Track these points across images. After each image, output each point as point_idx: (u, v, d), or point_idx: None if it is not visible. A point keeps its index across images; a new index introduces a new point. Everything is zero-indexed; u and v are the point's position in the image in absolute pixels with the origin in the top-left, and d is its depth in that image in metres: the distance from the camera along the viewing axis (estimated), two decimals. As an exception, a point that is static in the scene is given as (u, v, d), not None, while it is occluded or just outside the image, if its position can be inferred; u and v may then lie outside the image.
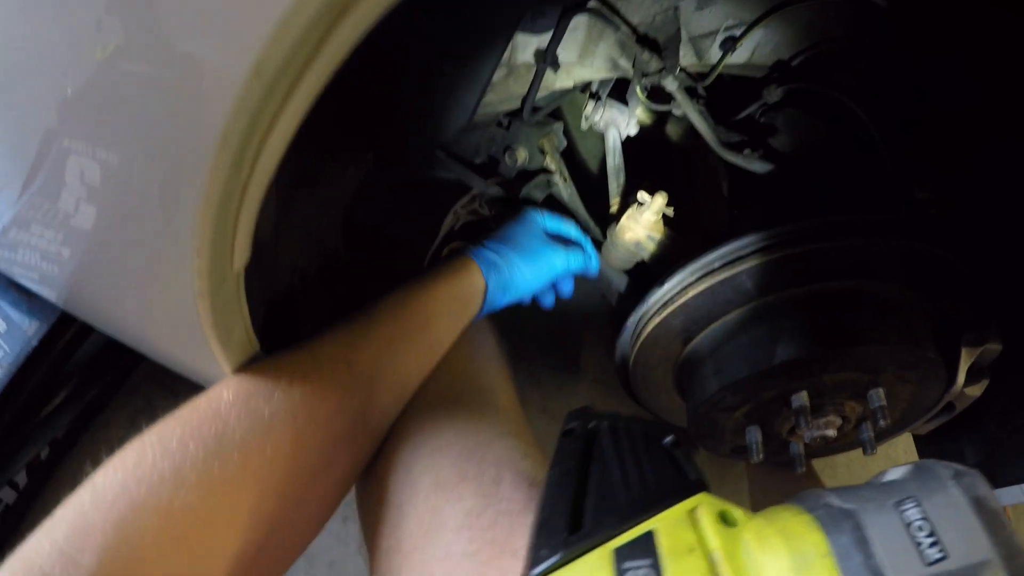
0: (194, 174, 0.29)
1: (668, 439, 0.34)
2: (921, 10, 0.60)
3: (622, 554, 0.26)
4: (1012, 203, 0.67)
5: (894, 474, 0.28)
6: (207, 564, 0.33)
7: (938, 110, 0.70)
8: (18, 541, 0.31)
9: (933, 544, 0.23)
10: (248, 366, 0.39)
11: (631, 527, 0.27)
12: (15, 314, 0.61)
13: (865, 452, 0.64)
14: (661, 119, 0.91)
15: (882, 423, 0.58)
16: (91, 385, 0.68)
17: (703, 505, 0.28)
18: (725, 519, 0.27)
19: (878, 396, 0.59)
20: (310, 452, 0.38)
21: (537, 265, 0.60)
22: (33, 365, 0.62)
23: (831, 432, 0.62)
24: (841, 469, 1.05)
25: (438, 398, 0.49)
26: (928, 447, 0.83)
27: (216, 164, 0.28)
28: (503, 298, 0.58)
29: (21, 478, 0.66)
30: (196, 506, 0.32)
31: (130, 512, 0.31)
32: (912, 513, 0.24)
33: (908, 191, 0.70)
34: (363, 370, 0.43)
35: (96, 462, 0.34)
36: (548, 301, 0.66)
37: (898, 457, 1.06)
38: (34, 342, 0.61)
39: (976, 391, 0.64)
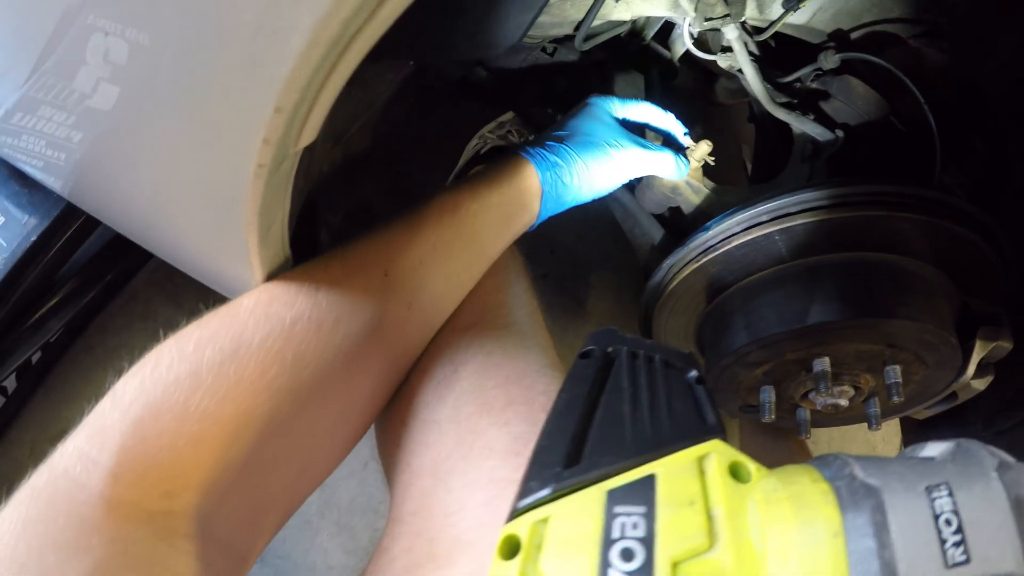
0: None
1: (692, 374, 0.31)
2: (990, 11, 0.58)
3: (615, 496, 0.24)
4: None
5: (931, 451, 0.25)
6: (223, 468, 0.33)
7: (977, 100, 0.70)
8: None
9: (958, 544, 0.20)
10: (276, 275, 0.38)
11: (631, 467, 0.25)
12: (14, 208, 0.57)
13: (870, 426, 0.65)
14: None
15: (896, 399, 0.59)
16: (89, 288, 0.64)
17: (715, 453, 0.25)
18: (736, 473, 0.24)
19: (895, 372, 0.60)
20: (335, 362, 0.37)
21: (609, 163, 0.53)
22: (30, 262, 0.58)
23: (843, 401, 0.63)
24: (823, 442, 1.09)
25: (480, 321, 0.47)
26: (909, 433, 0.86)
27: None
28: (563, 203, 0.53)
29: (10, 382, 0.63)
30: (212, 410, 0.32)
31: (147, 413, 0.31)
32: (943, 503, 0.21)
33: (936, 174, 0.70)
34: (401, 280, 0.41)
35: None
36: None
37: (870, 437, 1.10)
38: (32, 237, 0.57)
39: (981, 385, 0.66)
